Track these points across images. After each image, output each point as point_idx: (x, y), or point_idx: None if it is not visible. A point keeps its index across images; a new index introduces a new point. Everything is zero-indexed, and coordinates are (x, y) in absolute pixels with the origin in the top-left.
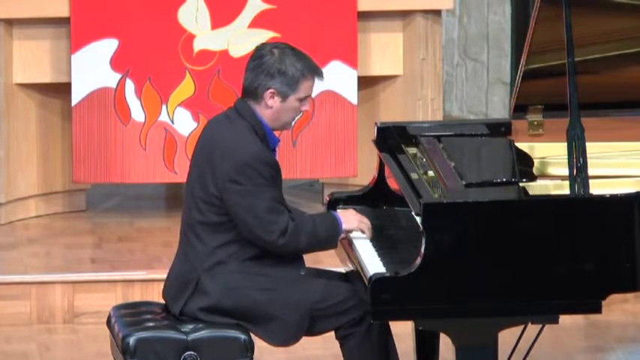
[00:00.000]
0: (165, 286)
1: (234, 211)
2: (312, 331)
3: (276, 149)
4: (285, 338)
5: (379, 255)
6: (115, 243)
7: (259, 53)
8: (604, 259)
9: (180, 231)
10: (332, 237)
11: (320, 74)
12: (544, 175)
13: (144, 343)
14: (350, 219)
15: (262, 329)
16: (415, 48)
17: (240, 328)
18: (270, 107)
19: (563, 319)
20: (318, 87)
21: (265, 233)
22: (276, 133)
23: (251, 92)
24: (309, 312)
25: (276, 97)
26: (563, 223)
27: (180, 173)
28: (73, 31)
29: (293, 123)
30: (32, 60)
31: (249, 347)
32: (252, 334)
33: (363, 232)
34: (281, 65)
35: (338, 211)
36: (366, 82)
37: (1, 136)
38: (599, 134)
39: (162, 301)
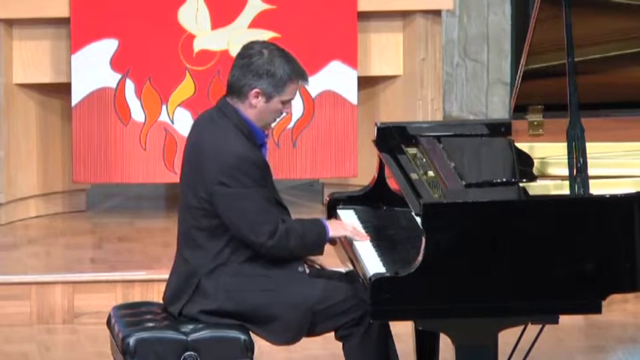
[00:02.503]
0: (165, 290)
1: (224, 213)
2: (313, 331)
3: (265, 144)
4: (287, 338)
5: (379, 255)
6: (115, 243)
7: (248, 52)
8: (604, 259)
9: (178, 237)
10: (319, 242)
11: (306, 79)
12: (544, 175)
13: (144, 344)
14: (336, 227)
15: (264, 330)
16: (415, 48)
17: (240, 328)
18: (253, 107)
19: (563, 319)
20: (319, 87)
21: (254, 235)
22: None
23: (235, 90)
24: (310, 311)
25: (260, 97)
26: (563, 224)
27: (180, 173)
28: (73, 31)
29: (273, 124)
30: (32, 60)
31: (249, 347)
32: (252, 334)
33: (351, 238)
34: (270, 66)
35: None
36: (366, 82)
37: (1, 136)
38: (599, 134)
39: (162, 301)
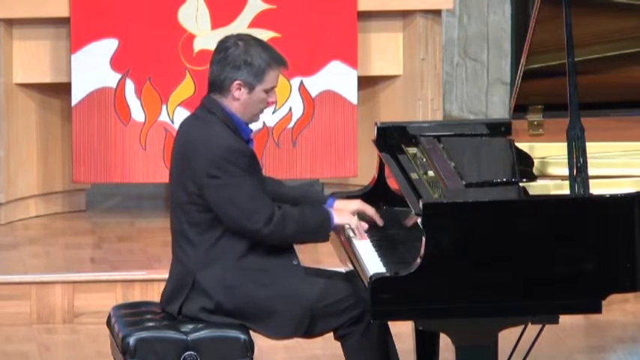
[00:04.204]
0: (162, 292)
1: (216, 205)
2: (313, 331)
3: (251, 140)
4: (286, 332)
5: (379, 255)
6: (115, 243)
7: (224, 46)
8: (604, 259)
9: (172, 238)
10: (322, 229)
11: (285, 64)
12: (544, 175)
13: (144, 343)
14: (343, 215)
15: (263, 324)
16: (415, 48)
17: (240, 327)
18: (237, 99)
19: (563, 319)
20: (319, 87)
21: (249, 222)
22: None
23: (217, 86)
24: (310, 309)
25: (242, 89)
26: (563, 223)
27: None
28: (73, 31)
29: (260, 115)
30: (32, 60)
31: (249, 347)
32: (252, 332)
33: (353, 229)
34: (247, 56)
35: (336, 202)
36: (366, 82)
37: (1, 136)
38: (599, 134)
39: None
